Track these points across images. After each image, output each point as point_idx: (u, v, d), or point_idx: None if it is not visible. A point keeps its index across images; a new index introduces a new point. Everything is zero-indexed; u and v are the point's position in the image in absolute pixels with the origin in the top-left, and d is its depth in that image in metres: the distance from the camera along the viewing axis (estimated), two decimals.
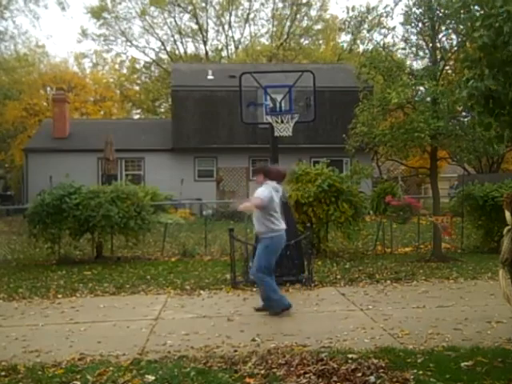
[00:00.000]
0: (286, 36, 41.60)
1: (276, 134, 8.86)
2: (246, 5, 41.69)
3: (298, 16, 41.22)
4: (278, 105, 8.88)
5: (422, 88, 10.94)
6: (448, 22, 10.73)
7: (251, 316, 6.66)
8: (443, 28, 10.95)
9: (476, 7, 5.04)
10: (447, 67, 11.32)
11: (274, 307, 6.68)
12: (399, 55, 11.73)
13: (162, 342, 5.59)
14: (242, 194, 22.75)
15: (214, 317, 6.65)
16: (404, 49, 11.45)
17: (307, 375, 4.43)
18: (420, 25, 10.91)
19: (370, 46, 11.23)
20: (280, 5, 41.29)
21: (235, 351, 5.20)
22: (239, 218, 14.38)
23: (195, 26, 41.77)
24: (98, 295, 8.12)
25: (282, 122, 8.78)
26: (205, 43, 42.00)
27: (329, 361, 4.72)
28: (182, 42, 42.84)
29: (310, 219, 10.81)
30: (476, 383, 4.28)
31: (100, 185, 14.35)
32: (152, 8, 40.69)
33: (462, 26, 10.52)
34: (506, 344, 5.28)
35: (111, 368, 4.76)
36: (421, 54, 11.24)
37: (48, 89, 37.48)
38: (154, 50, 44.14)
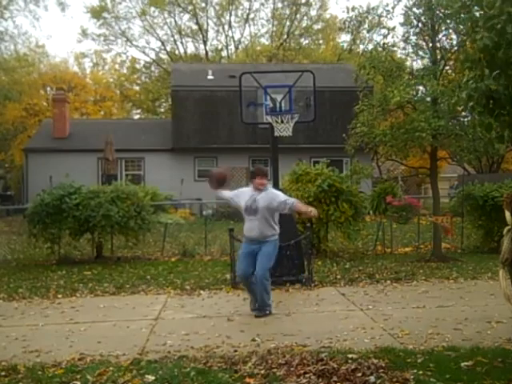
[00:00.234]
0: (285, 36, 41.61)
1: (276, 133, 8.85)
2: (246, 5, 41.76)
3: (298, 16, 41.24)
4: (277, 105, 8.87)
5: (421, 88, 10.93)
6: (448, 21, 10.73)
7: (251, 316, 6.65)
8: (443, 28, 10.95)
9: (475, 7, 5.03)
10: (447, 67, 11.31)
11: (266, 309, 6.67)
12: (399, 55, 11.73)
13: (162, 342, 5.59)
14: None
15: (214, 317, 6.65)
16: (404, 49, 11.45)
17: (307, 375, 4.43)
18: (420, 25, 10.90)
19: (370, 46, 11.22)
20: (280, 5, 41.35)
21: (235, 351, 5.19)
22: (239, 218, 14.36)
23: (195, 26, 41.83)
24: (98, 295, 8.12)
25: (282, 121, 8.77)
26: (205, 43, 42.05)
27: (329, 361, 4.72)
28: (181, 42, 42.90)
29: (310, 219, 10.79)
30: (476, 383, 4.28)
31: (100, 185, 14.36)
32: (152, 8, 40.71)
33: (462, 26, 10.52)
34: (506, 344, 5.28)
35: (111, 368, 4.76)
36: (421, 53, 11.24)
37: (48, 89, 37.49)
38: (154, 50, 44.20)
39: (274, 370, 4.61)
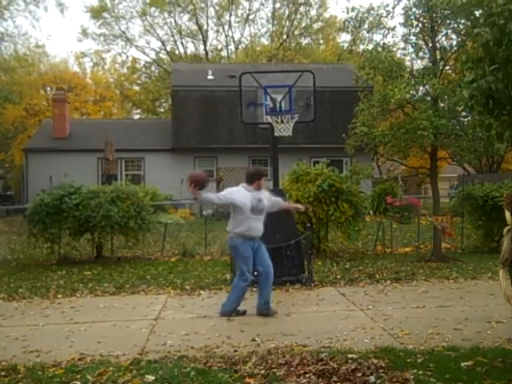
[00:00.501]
0: (285, 36, 41.62)
1: (276, 133, 8.85)
2: (246, 5, 41.78)
3: (298, 16, 41.24)
4: (278, 105, 8.87)
5: (421, 88, 10.93)
6: (448, 21, 10.73)
7: (251, 316, 6.65)
8: (443, 28, 10.95)
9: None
10: (447, 67, 11.32)
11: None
12: (399, 55, 11.74)
13: (162, 342, 5.58)
14: None
15: (214, 317, 6.65)
16: (404, 49, 11.46)
17: (307, 375, 4.43)
18: (420, 25, 10.91)
19: (370, 46, 11.21)
20: (278, 5, 41.38)
21: (235, 351, 5.19)
22: None
23: (195, 26, 41.84)
24: (98, 295, 8.12)
25: (282, 121, 8.77)
26: (205, 43, 42.06)
27: (329, 361, 4.72)
28: (181, 42, 42.92)
29: (310, 219, 10.81)
30: (476, 383, 4.28)
31: (100, 185, 14.36)
32: (152, 8, 40.72)
33: (461, 26, 10.53)
34: (506, 344, 5.28)
35: (111, 368, 4.76)
36: (420, 54, 11.24)
37: (48, 89, 37.50)
38: (154, 49, 44.23)
39: (274, 370, 4.61)
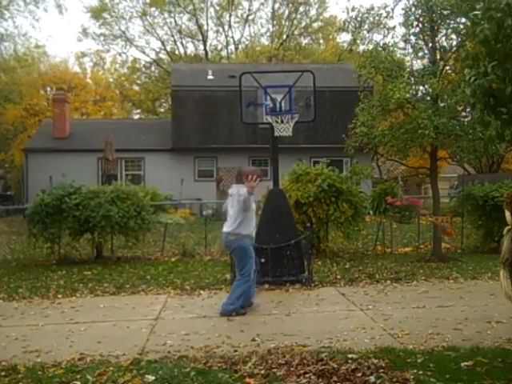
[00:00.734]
0: (285, 36, 41.62)
1: (276, 133, 8.85)
2: (246, 5, 41.81)
3: (298, 15, 41.24)
4: (277, 105, 8.87)
5: (421, 87, 10.94)
6: (448, 21, 10.73)
7: (251, 316, 6.65)
8: (443, 28, 10.95)
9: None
10: (447, 67, 11.32)
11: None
12: (399, 55, 11.73)
13: (162, 342, 5.59)
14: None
15: (214, 317, 6.65)
16: (404, 49, 11.45)
17: (307, 375, 4.43)
18: (419, 25, 10.91)
19: (370, 46, 11.22)
20: (277, 5, 41.38)
21: (235, 351, 5.19)
22: None
23: (195, 27, 41.84)
24: (98, 295, 8.12)
25: (282, 121, 8.77)
26: (205, 43, 42.06)
27: (329, 361, 4.72)
28: (181, 42, 42.93)
29: (310, 219, 10.81)
30: (476, 383, 4.28)
31: (100, 185, 14.35)
32: (152, 8, 40.73)
33: (461, 26, 10.52)
34: (506, 344, 5.28)
35: (111, 368, 4.76)
36: (420, 54, 11.24)
37: (48, 89, 37.49)
38: (154, 50, 44.25)
39: (274, 370, 4.61)
